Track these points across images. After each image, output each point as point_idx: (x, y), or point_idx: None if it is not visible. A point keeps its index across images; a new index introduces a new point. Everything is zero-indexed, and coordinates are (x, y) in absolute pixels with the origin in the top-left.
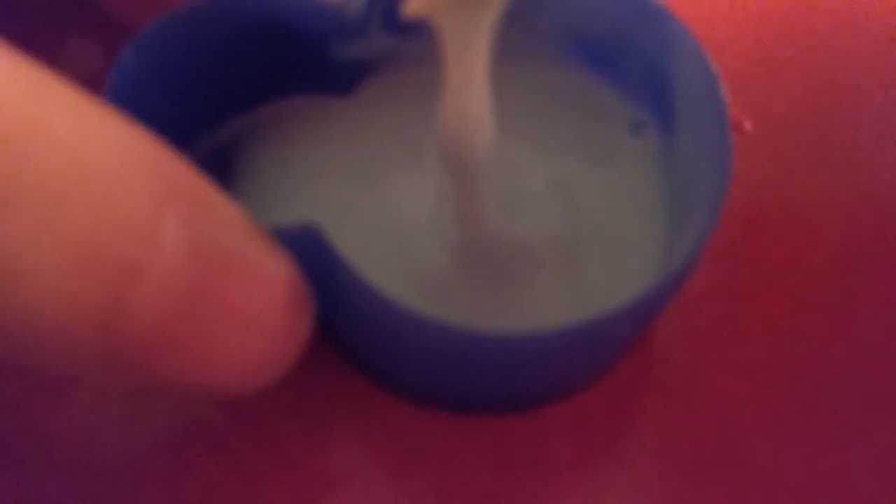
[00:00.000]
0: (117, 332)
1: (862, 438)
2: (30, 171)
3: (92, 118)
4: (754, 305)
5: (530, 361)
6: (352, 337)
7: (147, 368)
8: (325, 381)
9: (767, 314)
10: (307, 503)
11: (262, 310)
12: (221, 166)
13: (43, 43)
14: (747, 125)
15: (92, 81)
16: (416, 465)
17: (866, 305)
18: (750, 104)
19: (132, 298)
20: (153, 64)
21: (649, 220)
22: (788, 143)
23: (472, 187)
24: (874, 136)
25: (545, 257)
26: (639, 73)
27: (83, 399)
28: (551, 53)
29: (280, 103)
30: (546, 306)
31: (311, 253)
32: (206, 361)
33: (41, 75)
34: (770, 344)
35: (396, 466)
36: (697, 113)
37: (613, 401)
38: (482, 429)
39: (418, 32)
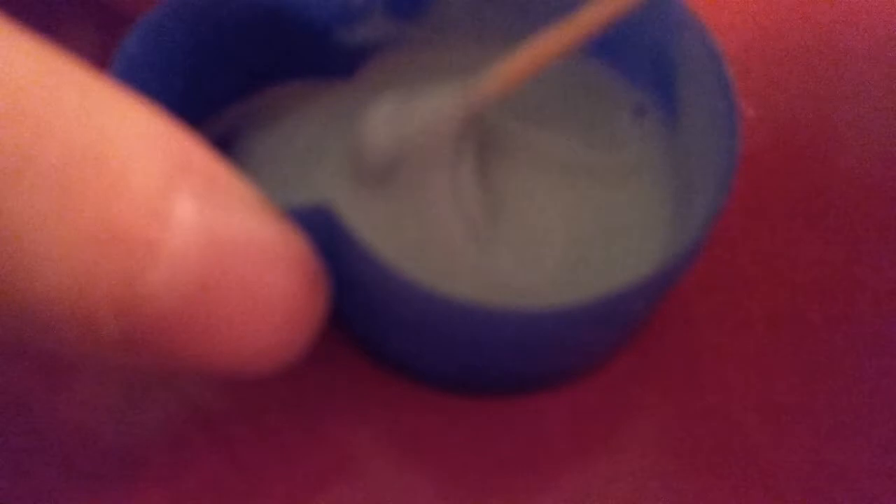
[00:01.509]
0: (133, 310)
1: (863, 430)
2: (43, 148)
3: (103, 96)
4: (754, 296)
5: (543, 339)
6: (361, 317)
7: (163, 348)
8: (323, 373)
9: (768, 304)
10: (306, 495)
11: (278, 288)
12: (221, 152)
13: (39, 29)
14: (749, 112)
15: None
16: (415, 457)
17: (868, 296)
18: (752, 91)
19: (147, 276)
20: (156, 50)
21: (654, 203)
22: (790, 130)
23: None
24: (877, 124)
25: (550, 240)
26: (642, 57)
27: (82, 393)
28: None
29: (280, 87)
30: (551, 288)
31: (322, 232)
32: (223, 340)
33: (52, 53)
34: (770, 335)
35: (395, 458)
36: (702, 94)
37: (613, 391)
38: (482, 419)
39: (420, 16)
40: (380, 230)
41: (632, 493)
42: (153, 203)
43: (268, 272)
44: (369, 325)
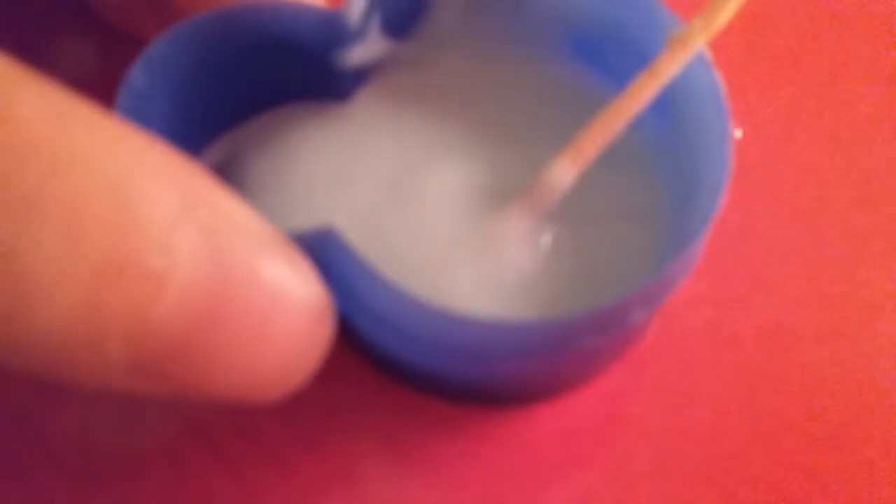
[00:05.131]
0: (141, 339)
1: (853, 443)
2: (52, 185)
3: (110, 133)
4: (745, 310)
5: (543, 349)
6: (364, 330)
7: (170, 377)
8: (322, 383)
9: (758, 318)
10: None
11: (284, 319)
12: (219, 176)
13: (37, 45)
14: (737, 131)
15: (86, 84)
16: (412, 466)
17: (857, 309)
18: (740, 109)
19: (155, 307)
20: (160, 80)
21: (648, 214)
22: (779, 147)
23: None
24: (866, 140)
25: (545, 252)
26: (633, 67)
27: (83, 401)
28: (545, 50)
29: (277, 110)
30: (548, 299)
31: (327, 255)
32: (230, 369)
33: (61, 93)
34: (761, 348)
35: (393, 467)
36: (694, 104)
37: (605, 403)
38: (479, 429)
39: (416, 36)
40: (380, 250)
41: (622, 503)
42: (161, 237)
43: (274, 304)
44: (372, 337)
